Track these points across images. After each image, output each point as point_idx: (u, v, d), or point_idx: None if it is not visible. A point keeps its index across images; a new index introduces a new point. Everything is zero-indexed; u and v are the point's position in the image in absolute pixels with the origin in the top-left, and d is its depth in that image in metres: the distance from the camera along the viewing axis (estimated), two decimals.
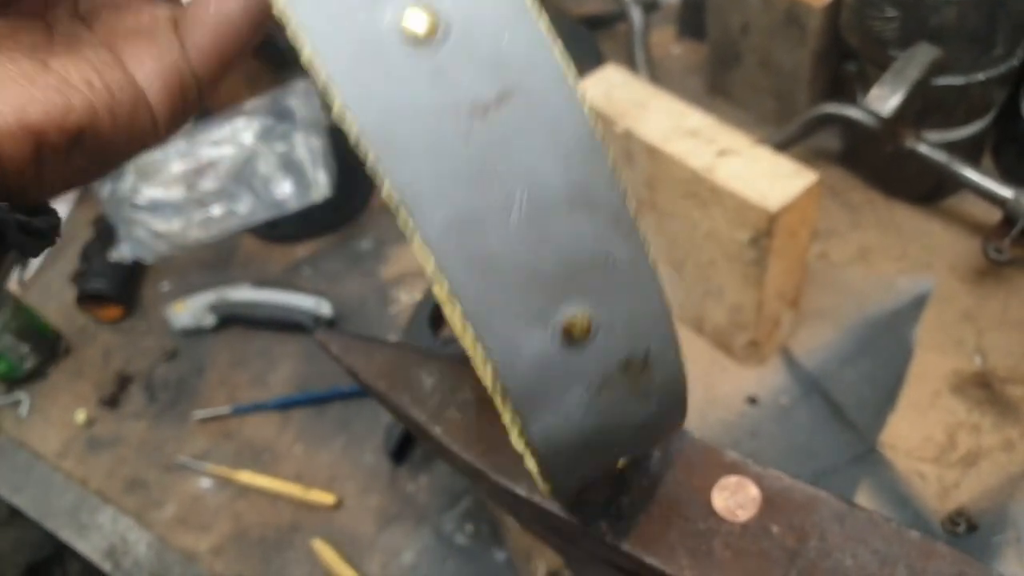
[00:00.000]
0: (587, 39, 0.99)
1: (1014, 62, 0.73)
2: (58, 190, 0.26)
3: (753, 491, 0.37)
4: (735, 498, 0.37)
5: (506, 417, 0.27)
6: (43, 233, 0.25)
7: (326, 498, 0.77)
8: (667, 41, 1.14)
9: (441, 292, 0.25)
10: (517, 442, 0.28)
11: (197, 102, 0.28)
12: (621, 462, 0.32)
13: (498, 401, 0.26)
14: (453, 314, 0.25)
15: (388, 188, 0.23)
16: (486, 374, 0.26)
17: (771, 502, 0.36)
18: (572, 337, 0.25)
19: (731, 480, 0.37)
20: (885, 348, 0.77)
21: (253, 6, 0.27)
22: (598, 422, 0.27)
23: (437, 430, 0.44)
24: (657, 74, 1.02)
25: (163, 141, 0.28)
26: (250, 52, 0.29)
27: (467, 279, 0.24)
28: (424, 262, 0.24)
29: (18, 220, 0.24)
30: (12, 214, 0.24)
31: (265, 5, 0.26)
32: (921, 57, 0.70)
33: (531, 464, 0.29)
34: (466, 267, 0.23)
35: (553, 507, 0.39)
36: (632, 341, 0.26)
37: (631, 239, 0.25)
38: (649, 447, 0.36)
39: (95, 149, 0.25)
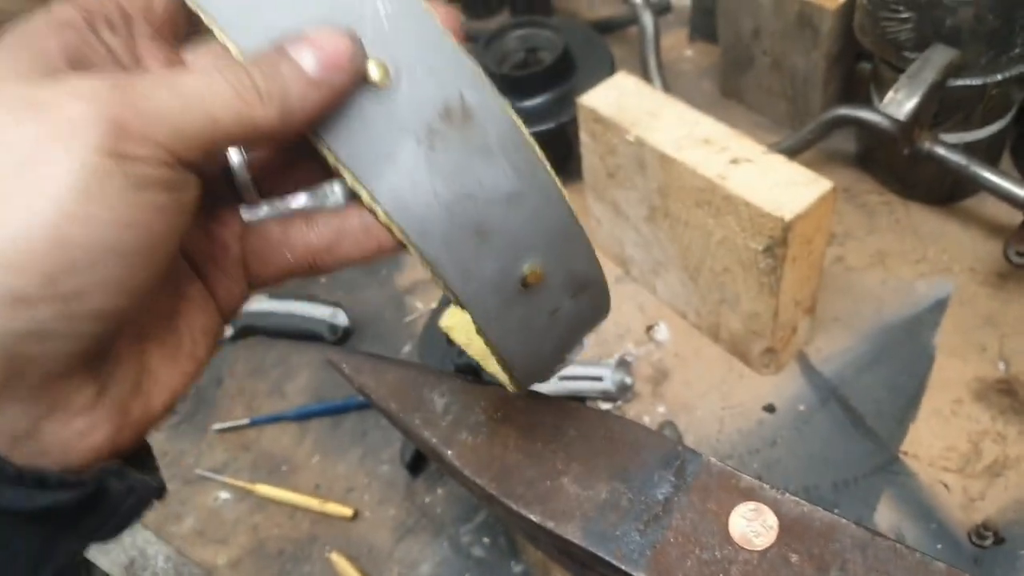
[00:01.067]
0: (599, 44, 0.98)
1: None
2: None
3: (771, 518, 0.36)
4: (752, 525, 0.36)
5: (350, 181, 0.28)
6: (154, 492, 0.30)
7: (343, 510, 0.77)
8: (680, 44, 1.13)
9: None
10: (374, 209, 0.28)
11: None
12: (527, 268, 0.30)
13: (334, 165, 0.28)
14: None
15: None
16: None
17: (789, 529, 0.36)
18: (373, 80, 0.27)
19: (748, 506, 0.37)
20: (905, 354, 0.76)
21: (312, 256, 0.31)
22: (450, 187, 0.28)
23: (449, 453, 0.43)
24: (670, 77, 1.01)
25: None
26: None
27: (239, 26, 0.26)
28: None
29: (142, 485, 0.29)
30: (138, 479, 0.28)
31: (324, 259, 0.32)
32: (937, 59, 0.69)
33: (412, 251, 0.29)
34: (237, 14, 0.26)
35: (568, 533, 0.39)
36: (438, 83, 0.27)
37: None
38: (547, 251, 0.31)
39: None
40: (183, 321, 0.29)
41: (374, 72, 0.27)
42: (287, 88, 0.25)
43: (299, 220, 0.31)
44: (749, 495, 0.37)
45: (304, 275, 0.31)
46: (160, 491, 0.30)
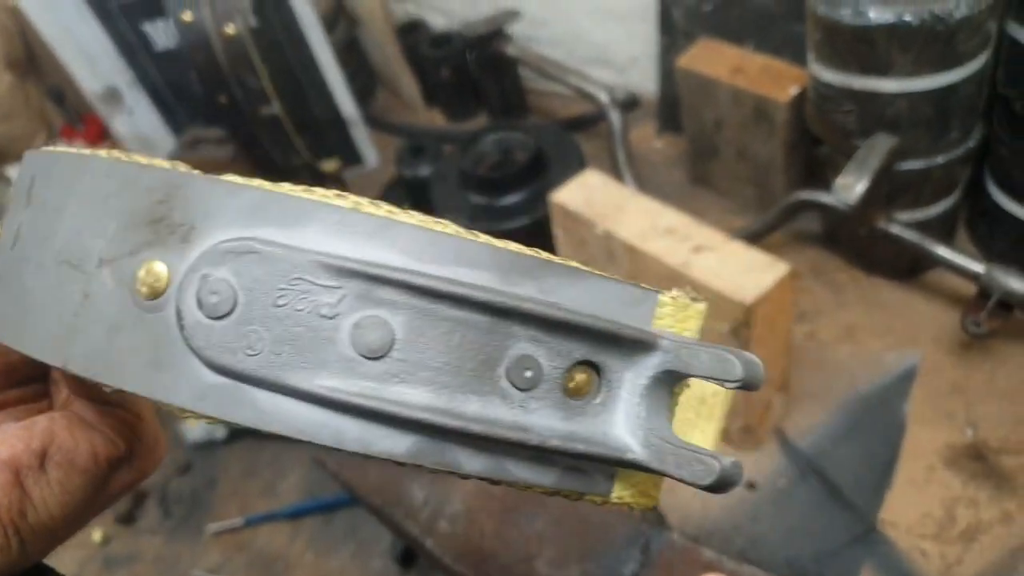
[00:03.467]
0: (570, 142, 1.03)
1: (971, 144, 0.77)
2: (77, 517, 0.27)
3: None
4: None
5: None
6: None
7: None
8: (649, 136, 1.19)
9: None
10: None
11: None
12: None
13: None
14: None
15: None
16: None
17: None
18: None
19: None
20: (878, 424, 0.79)
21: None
22: None
23: (429, 542, 0.45)
24: (641, 168, 1.07)
25: (145, 471, 0.30)
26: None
27: None
28: None
29: None
30: None
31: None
32: (881, 146, 0.74)
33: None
34: None
35: None
36: None
37: None
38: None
39: (67, 461, 0.28)
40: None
41: None
42: None
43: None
44: (710, 567, 0.39)
45: None
46: None
